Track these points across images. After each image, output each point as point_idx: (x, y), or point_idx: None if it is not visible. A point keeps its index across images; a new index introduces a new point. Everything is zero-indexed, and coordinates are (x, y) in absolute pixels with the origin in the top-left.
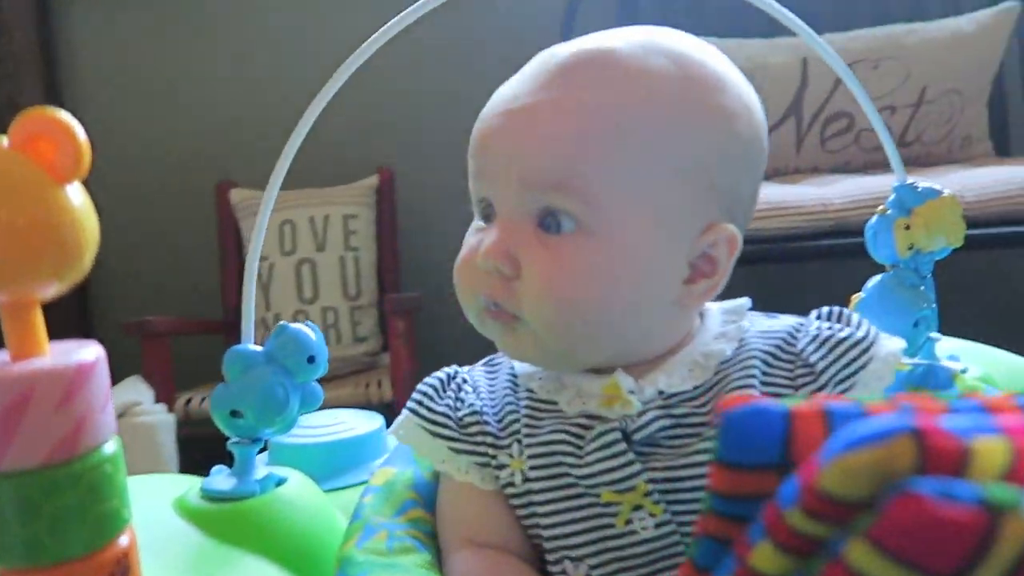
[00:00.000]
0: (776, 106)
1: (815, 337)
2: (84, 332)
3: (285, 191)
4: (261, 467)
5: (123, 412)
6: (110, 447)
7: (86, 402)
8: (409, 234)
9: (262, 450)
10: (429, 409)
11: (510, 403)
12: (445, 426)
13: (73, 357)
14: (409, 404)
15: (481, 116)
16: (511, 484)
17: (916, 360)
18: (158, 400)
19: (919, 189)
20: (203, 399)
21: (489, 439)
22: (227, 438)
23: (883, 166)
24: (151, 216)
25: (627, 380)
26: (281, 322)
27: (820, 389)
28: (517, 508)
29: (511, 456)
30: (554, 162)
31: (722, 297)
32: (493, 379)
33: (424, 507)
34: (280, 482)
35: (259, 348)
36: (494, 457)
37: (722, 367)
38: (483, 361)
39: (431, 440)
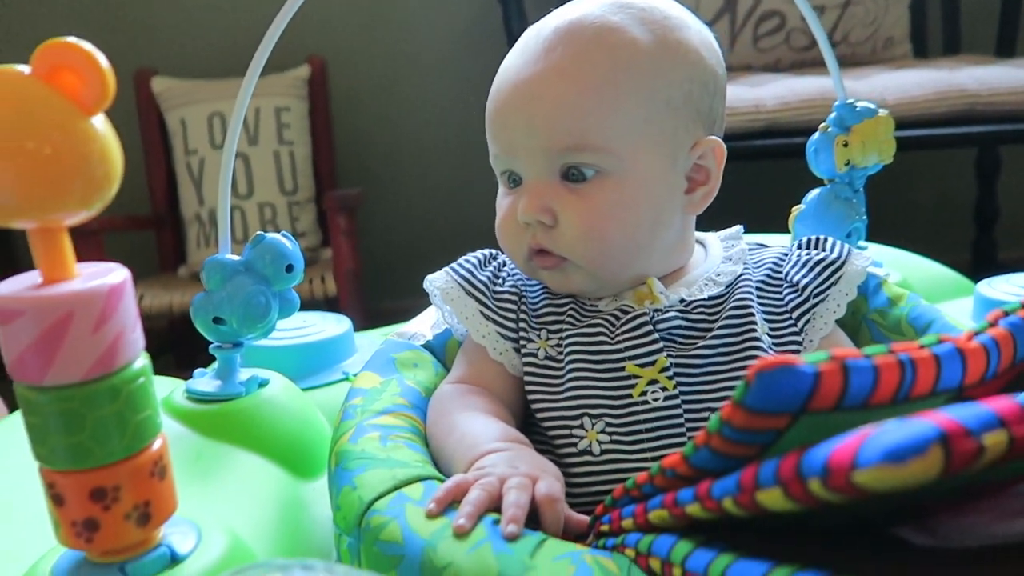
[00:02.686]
0: (711, 3)
1: (796, 262)
2: (7, 231)
3: (212, 80)
4: (243, 369)
5: None
6: (141, 362)
7: (120, 321)
8: (344, 127)
9: None
10: (470, 273)
11: (549, 301)
12: (482, 292)
13: (105, 280)
14: (449, 267)
15: (492, 95)
16: (533, 355)
17: None
18: None
19: (857, 108)
20: (141, 296)
21: (523, 317)
22: (171, 332)
23: (811, 65)
24: None
25: (658, 284)
26: (258, 232)
27: (805, 301)
28: (532, 376)
29: (539, 337)
30: (569, 128)
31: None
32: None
33: (412, 411)
34: (263, 383)
35: (237, 257)
36: (524, 332)
37: (732, 282)
38: None
39: (463, 296)
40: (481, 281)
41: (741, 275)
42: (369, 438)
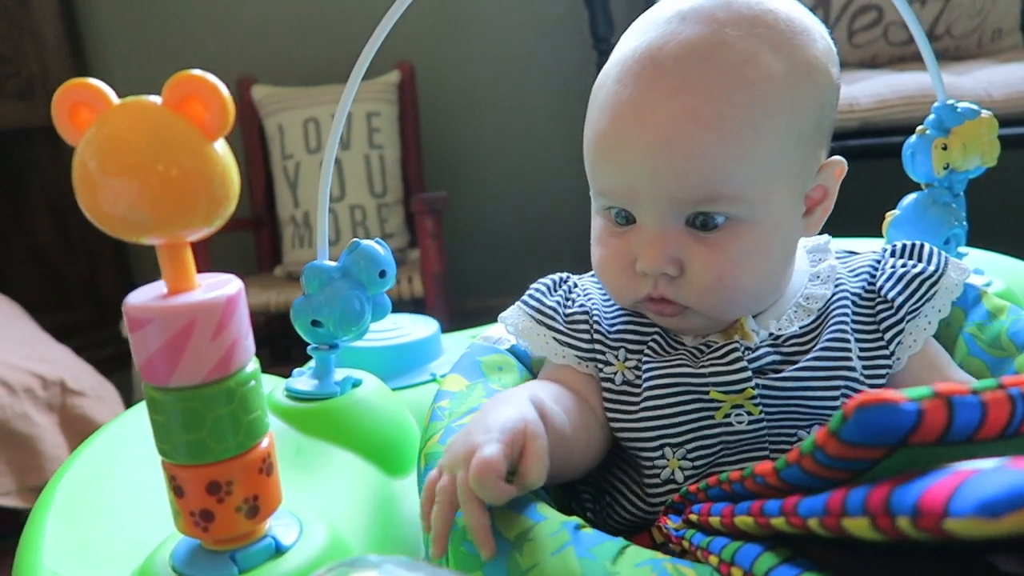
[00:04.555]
0: None
1: (891, 275)
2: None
3: (307, 87)
4: (338, 369)
5: None
6: (252, 366)
7: (235, 329)
8: (431, 130)
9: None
10: (539, 302)
11: (631, 321)
12: (552, 318)
13: (223, 291)
14: (521, 299)
15: (600, 126)
16: (610, 380)
17: None
18: None
19: (959, 109)
20: None
21: (597, 338)
22: (269, 326)
23: (910, 60)
24: None
25: (751, 322)
26: (354, 239)
27: (899, 321)
28: (610, 401)
29: (617, 359)
30: (702, 180)
31: None
32: (607, 293)
33: None
34: (356, 383)
35: (334, 263)
36: (602, 353)
37: (824, 307)
38: (591, 274)
39: (535, 326)
40: (550, 307)
41: (834, 297)
42: None
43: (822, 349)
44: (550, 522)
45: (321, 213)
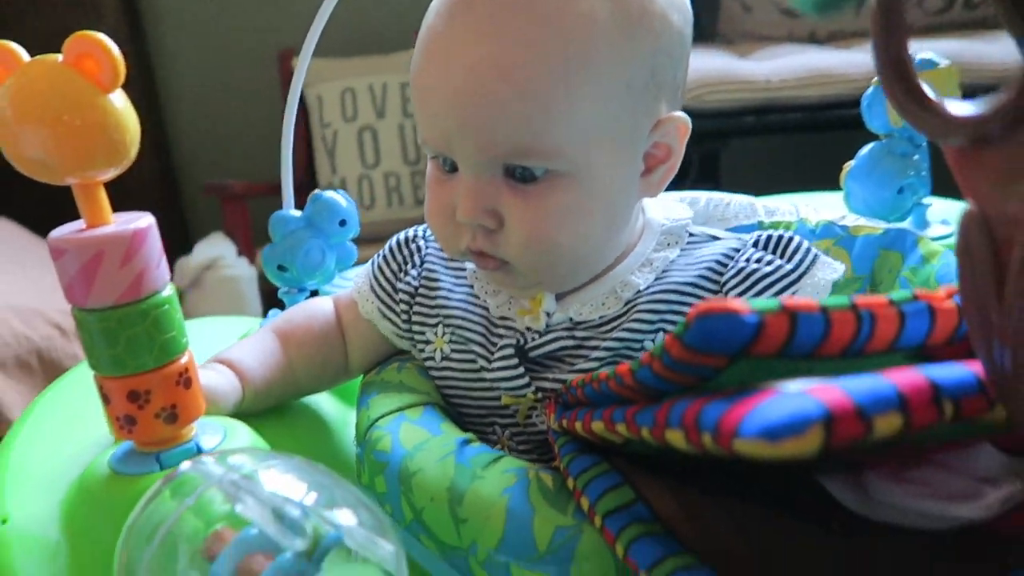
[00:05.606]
0: None
1: (741, 271)
2: (169, 194)
3: (346, 58)
4: None
5: (210, 265)
6: (166, 292)
7: (144, 259)
8: None
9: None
10: (379, 268)
11: (449, 286)
12: (382, 287)
13: (132, 225)
14: (378, 253)
15: (415, 62)
16: (432, 359)
17: (889, 224)
18: (239, 255)
19: (916, 60)
20: None
21: (418, 311)
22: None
23: (948, 29)
24: (220, 85)
25: (550, 301)
26: (316, 191)
27: None
28: (437, 379)
29: (436, 335)
30: (509, 134)
31: (735, 178)
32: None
33: None
34: None
35: (299, 213)
36: (420, 333)
37: (633, 298)
38: None
39: (369, 292)
40: (387, 275)
41: (648, 289)
42: (390, 369)
43: (605, 349)
44: (445, 436)
45: (284, 165)
